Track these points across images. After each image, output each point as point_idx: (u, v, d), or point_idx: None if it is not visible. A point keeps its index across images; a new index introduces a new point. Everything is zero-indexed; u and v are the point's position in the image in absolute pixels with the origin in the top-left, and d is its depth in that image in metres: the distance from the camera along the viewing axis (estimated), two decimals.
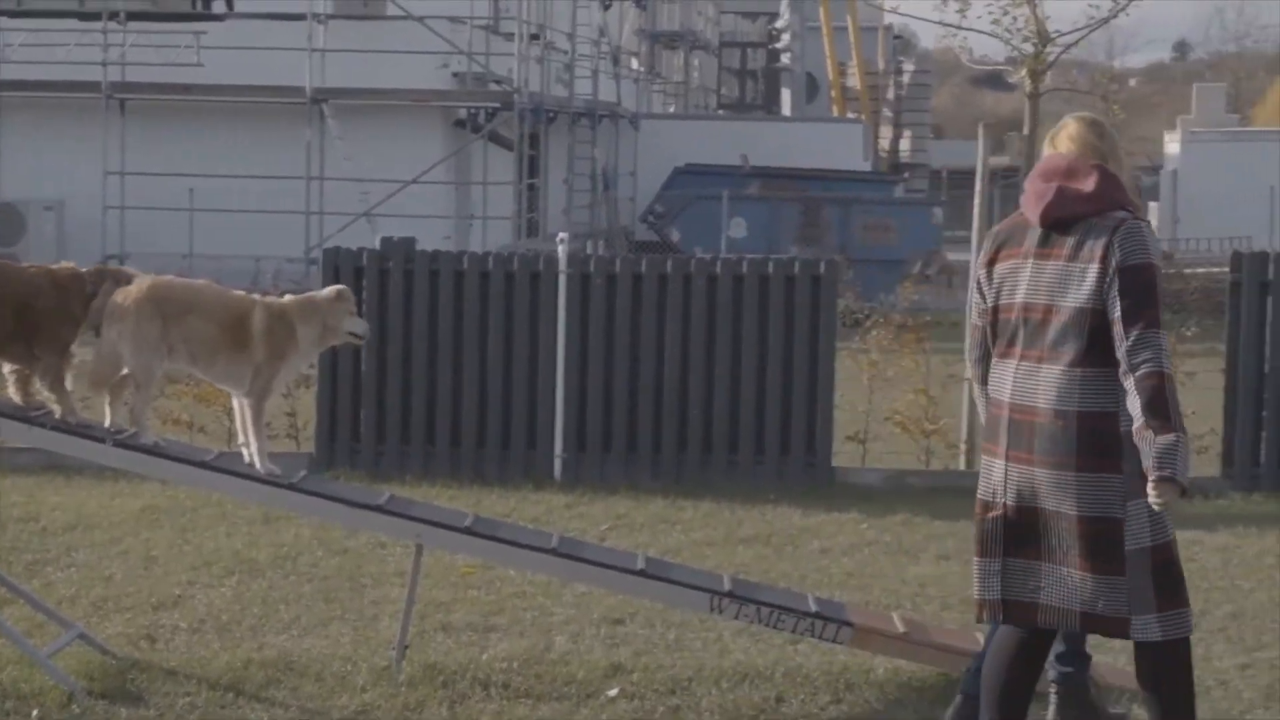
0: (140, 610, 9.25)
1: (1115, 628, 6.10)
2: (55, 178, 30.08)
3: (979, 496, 6.33)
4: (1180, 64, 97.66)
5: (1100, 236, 6.06)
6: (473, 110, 31.53)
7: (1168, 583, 6.08)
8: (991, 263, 6.36)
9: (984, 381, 6.44)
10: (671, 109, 50.93)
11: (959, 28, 25.91)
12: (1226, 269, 13.78)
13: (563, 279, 13.68)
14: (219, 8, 31.89)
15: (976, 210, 14.33)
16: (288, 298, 8.17)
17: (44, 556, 10.51)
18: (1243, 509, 12.73)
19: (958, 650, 8.11)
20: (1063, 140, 6.37)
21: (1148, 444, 5.87)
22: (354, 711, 7.64)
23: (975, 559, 6.34)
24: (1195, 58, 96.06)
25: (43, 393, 7.98)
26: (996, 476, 6.24)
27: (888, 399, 14.48)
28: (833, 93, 51.16)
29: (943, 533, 11.86)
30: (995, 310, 6.33)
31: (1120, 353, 5.96)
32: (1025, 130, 19.19)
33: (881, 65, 52.41)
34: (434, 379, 13.73)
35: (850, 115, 48.42)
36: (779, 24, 53.86)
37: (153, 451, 8.01)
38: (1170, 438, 5.85)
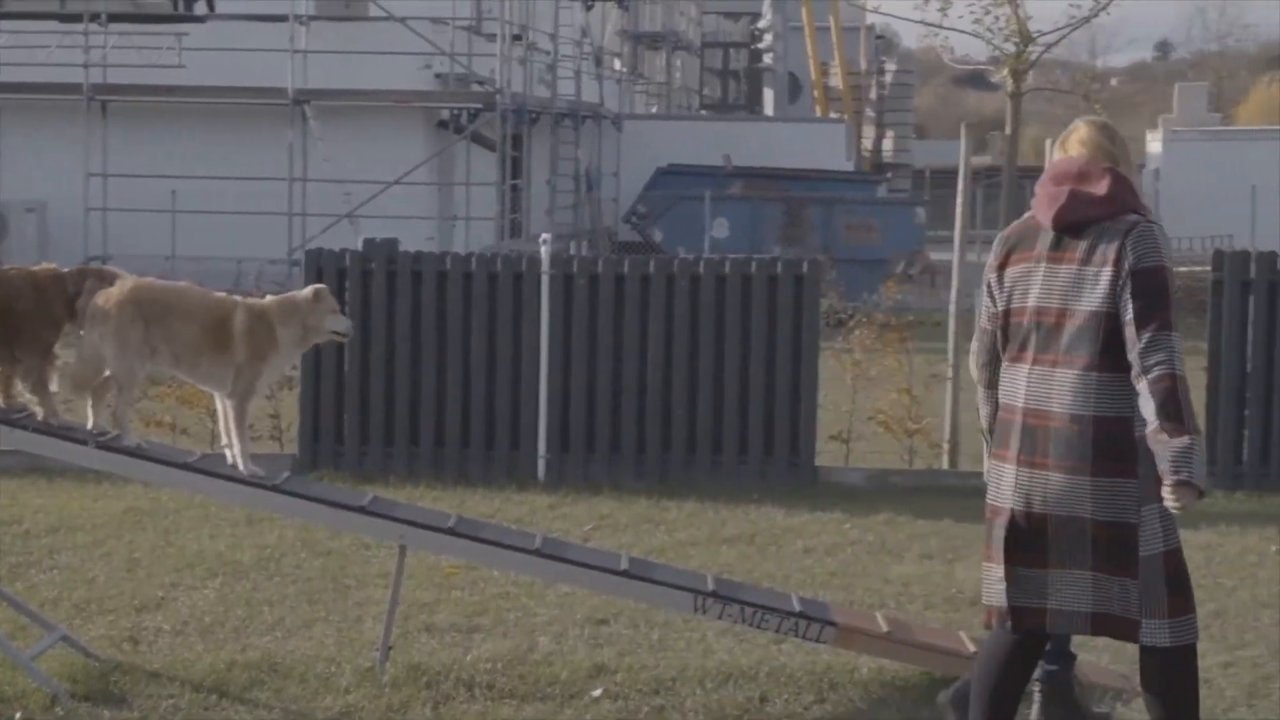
0: (123, 612, 9.24)
1: (1125, 630, 6.09)
2: (37, 180, 30.03)
3: (989, 501, 6.29)
4: (1162, 63, 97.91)
5: (1113, 240, 6.04)
6: (455, 111, 31.52)
7: (1179, 587, 6.08)
8: (1002, 266, 6.31)
9: (990, 386, 6.40)
10: (654, 109, 50.96)
11: (940, 27, 25.94)
12: (1209, 268, 13.81)
13: (546, 280, 13.68)
14: (200, 9, 31.88)
15: (959, 210, 14.34)
16: (268, 299, 8.16)
17: (26, 559, 10.49)
18: (1225, 507, 12.74)
19: (941, 650, 8.12)
20: (1073, 144, 6.35)
21: (1163, 447, 5.85)
22: (338, 713, 7.64)
23: (984, 564, 6.30)
24: (1177, 57, 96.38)
25: (25, 395, 7.97)
26: (1006, 482, 6.19)
27: (871, 398, 14.49)
28: (815, 93, 51.21)
29: (926, 532, 11.87)
30: (1006, 314, 6.28)
31: (1133, 355, 5.93)
32: (1007, 130, 19.23)
33: (864, 65, 52.44)
34: (417, 380, 13.72)
35: (833, 115, 48.46)
36: (761, 24, 53.95)
37: (135, 453, 8.00)
38: (1185, 440, 5.83)
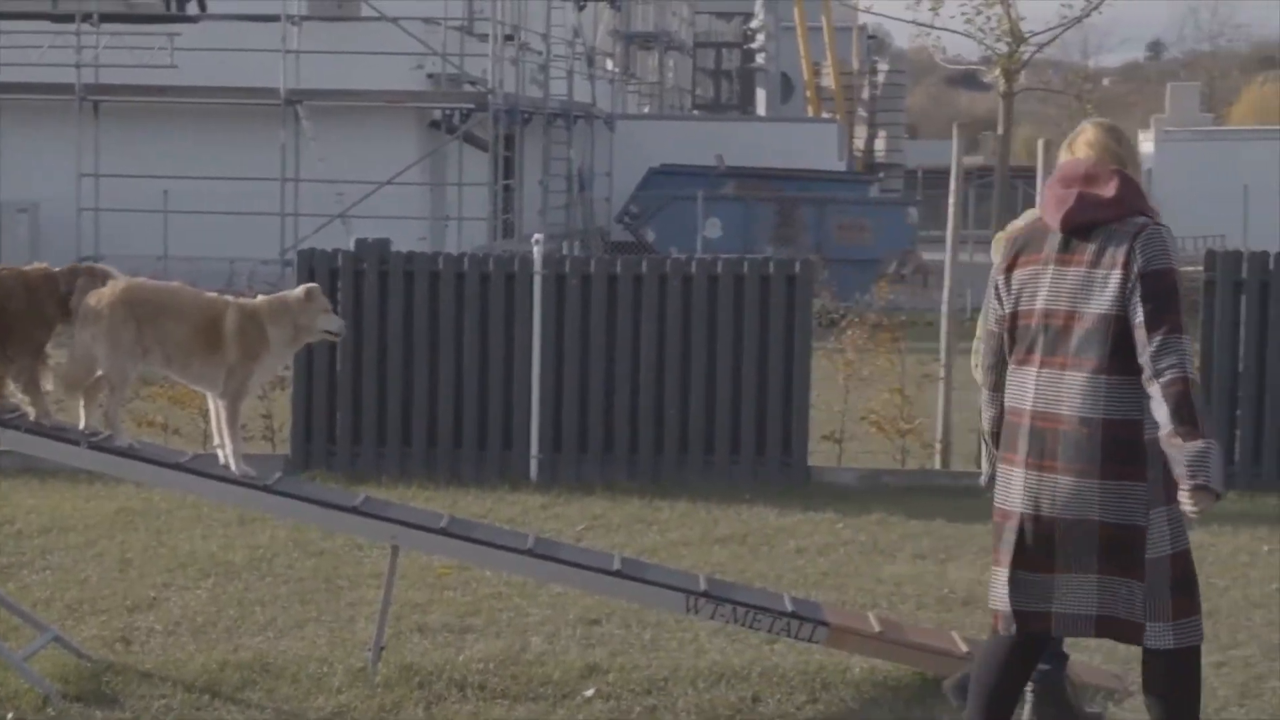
0: (115, 613, 9.23)
1: (1130, 633, 6.08)
2: (29, 180, 30.01)
3: (997, 505, 6.26)
4: (1154, 63, 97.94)
5: (1122, 243, 6.01)
6: (447, 111, 31.53)
7: (1184, 590, 6.07)
8: (1010, 268, 6.28)
9: (996, 389, 6.35)
10: (646, 109, 50.97)
11: (932, 27, 25.94)
12: (1200, 268, 13.82)
13: (538, 280, 13.68)
14: (192, 9, 31.84)
15: (951, 210, 14.34)
16: (260, 298, 8.16)
17: (18, 559, 10.48)
18: (1217, 507, 12.62)
19: (933, 649, 8.12)
20: (1080, 146, 6.33)
21: (1177, 451, 5.83)
22: (330, 713, 7.63)
23: (993, 567, 6.27)
24: (1169, 57, 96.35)
25: (17, 395, 7.96)
26: (1015, 486, 6.16)
27: (863, 398, 14.50)
28: (807, 93, 51.26)
29: (918, 532, 11.88)
30: (1013, 316, 6.25)
31: (1144, 359, 5.90)
32: (1000, 130, 19.25)
33: (856, 65, 52.46)
34: (410, 380, 13.72)
35: (825, 115, 48.50)
36: (753, 24, 54.04)
37: (127, 454, 7.99)
38: (1200, 444, 5.81)
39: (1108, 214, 6.09)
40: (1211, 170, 40.70)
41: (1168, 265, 6.00)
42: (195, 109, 30.04)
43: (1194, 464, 5.81)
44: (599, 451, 13.66)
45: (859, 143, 50.40)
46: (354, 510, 8.10)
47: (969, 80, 69.57)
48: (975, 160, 51.01)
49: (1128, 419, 5.98)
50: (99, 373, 7.90)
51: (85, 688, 7.80)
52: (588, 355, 13.67)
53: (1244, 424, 13.51)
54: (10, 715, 7.45)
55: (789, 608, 8.07)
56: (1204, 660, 8.17)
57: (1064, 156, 6.38)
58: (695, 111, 59.00)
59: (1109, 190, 6.11)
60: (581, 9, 39.68)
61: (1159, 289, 5.95)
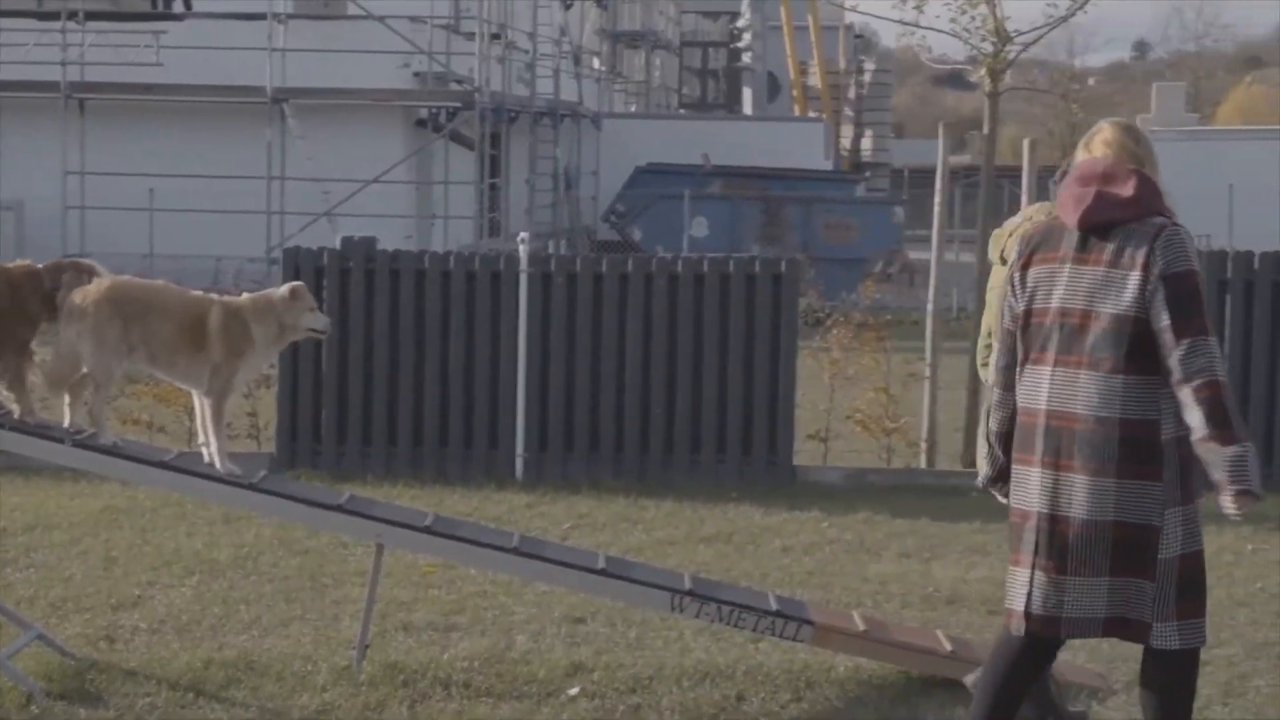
0: (100, 611, 9.22)
1: (1137, 632, 6.07)
2: (14, 178, 29.96)
3: (1014, 506, 6.23)
4: (1140, 63, 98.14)
5: (1141, 244, 5.99)
6: (434, 110, 31.51)
7: (1191, 591, 6.08)
8: (1026, 266, 6.24)
9: (1009, 389, 6.31)
10: (633, 108, 50.98)
11: (917, 26, 25.92)
12: None
13: (524, 278, 13.68)
14: (178, 7, 31.78)
15: (937, 209, 14.35)
16: (244, 297, 8.16)
17: (2, 557, 10.46)
18: (1207, 506, 12.73)
19: (918, 648, 8.13)
20: (1097, 145, 6.30)
21: (1216, 455, 5.85)
22: (314, 711, 7.63)
23: (1011, 567, 6.25)
24: (1155, 57, 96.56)
25: (2, 392, 7.94)
26: (1033, 485, 6.13)
27: (849, 398, 14.51)
28: (794, 92, 51.30)
29: (904, 531, 11.88)
30: (1027, 314, 6.21)
31: (1172, 362, 5.89)
32: (985, 129, 19.15)
33: (843, 64, 52.50)
34: (395, 379, 13.71)
35: (811, 114, 48.53)
36: (740, 23, 54.03)
37: (112, 452, 7.99)
38: (1238, 449, 5.84)
39: (1126, 214, 6.06)
40: (1197, 170, 40.69)
41: (1190, 267, 5.99)
42: (181, 107, 30.00)
43: (1235, 469, 5.84)
44: (585, 450, 13.66)
45: (845, 142, 50.45)
46: (339, 509, 8.10)
47: (955, 80, 69.63)
48: (961, 160, 51.07)
49: (1145, 419, 5.97)
50: (84, 370, 7.89)
51: (69, 686, 7.79)
52: (573, 354, 13.67)
53: None
54: None
55: (774, 606, 8.08)
56: None
57: (1081, 155, 6.34)
58: (682, 110, 59.01)
59: (1127, 190, 6.09)
60: (568, 8, 39.67)
61: (1182, 291, 5.94)
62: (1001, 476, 6.42)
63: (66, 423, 7.98)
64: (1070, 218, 6.15)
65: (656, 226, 33.67)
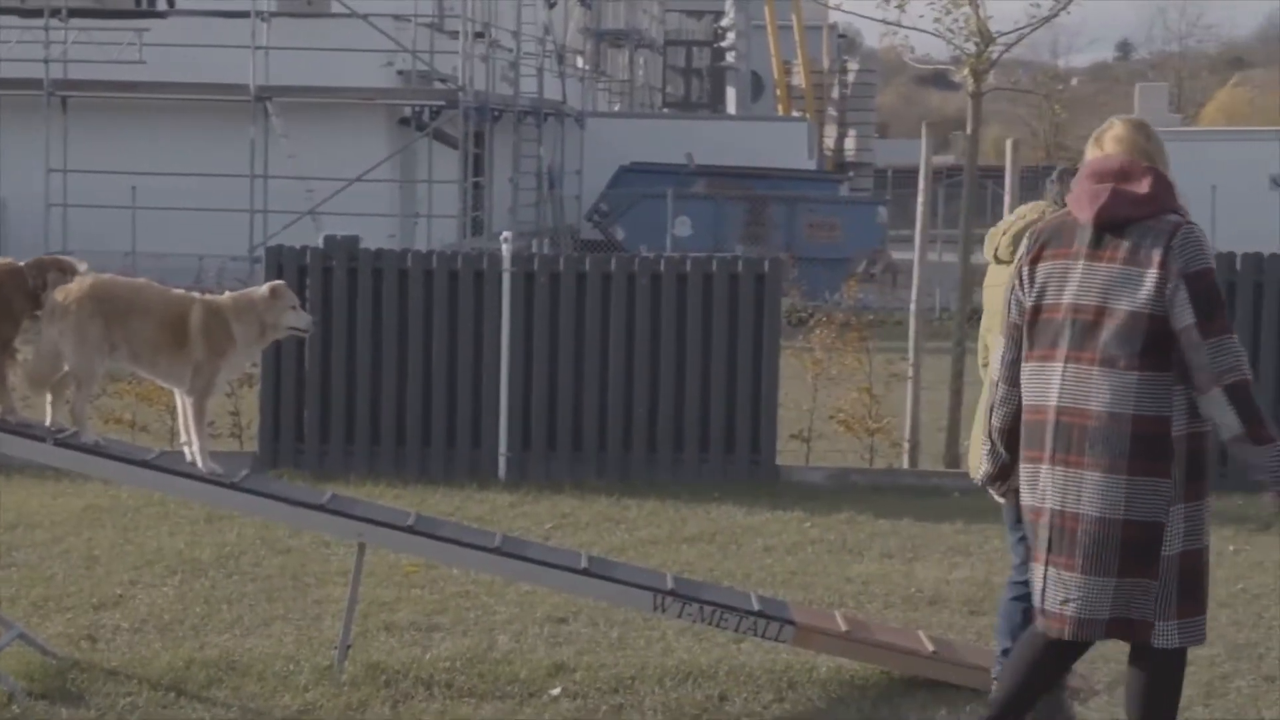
0: (81, 610, 9.20)
1: (1140, 632, 6.09)
2: None
3: (1027, 504, 6.24)
4: (1123, 63, 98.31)
5: (1157, 242, 5.99)
6: (417, 108, 31.46)
7: (1192, 588, 6.09)
8: (1035, 261, 6.23)
9: (1014, 384, 6.29)
10: (617, 107, 50.97)
11: (900, 26, 25.94)
12: None
13: (507, 277, 13.68)
14: (162, 5, 31.76)
15: (920, 209, 14.36)
16: (226, 295, 8.14)
17: None
18: None
19: (900, 649, 8.14)
20: (1109, 142, 6.29)
21: (1254, 454, 5.94)
22: (296, 711, 7.62)
23: (1032, 564, 6.26)
24: (1138, 57, 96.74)
25: None
26: (1043, 482, 6.14)
27: (831, 397, 14.52)
28: (778, 91, 51.32)
29: (886, 531, 11.89)
30: (1035, 310, 6.20)
31: (1199, 360, 5.91)
32: (969, 129, 19.17)
33: (826, 64, 52.55)
34: (378, 378, 13.70)
35: (795, 114, 48.55)
36: (724, 22, 54.03)
37: (94, 450, 7.97)
38: (1276, 448, 5.95)
39: (1141, 211, 6.07)
40: (1180, 170, 40.27)
41: (1208, 265, 6.01)
42: (164, 105, 29.92)
43: (1276, 469, 5.94)
44: (567, 450, 13.66)
45: (829, 142, 50.48)
46: (321, 508, 8.09)
47: (939, 80, 69.67)
48: (945, 160, 51.16)
49: (1158, 415, 5.99)
50: (65, 369, 7.88)
51: (51, 685, 7.78)
52: (556, 353, 13.67)
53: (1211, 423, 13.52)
54: None
55: (756, 606, 8.08)
56: None
57: (1091, 152, 6.33)
58: (665, 110, 59.01)
59: (1143, 187, 6.09)
60: (552, 6, 39.64)
61: (1203, 290, 5.96)
62: (1002, 474, 6.44)
63: (48, 421, 7.96)
64: (1085, 214, 6.14)
65: (640, 226, 33.66)
